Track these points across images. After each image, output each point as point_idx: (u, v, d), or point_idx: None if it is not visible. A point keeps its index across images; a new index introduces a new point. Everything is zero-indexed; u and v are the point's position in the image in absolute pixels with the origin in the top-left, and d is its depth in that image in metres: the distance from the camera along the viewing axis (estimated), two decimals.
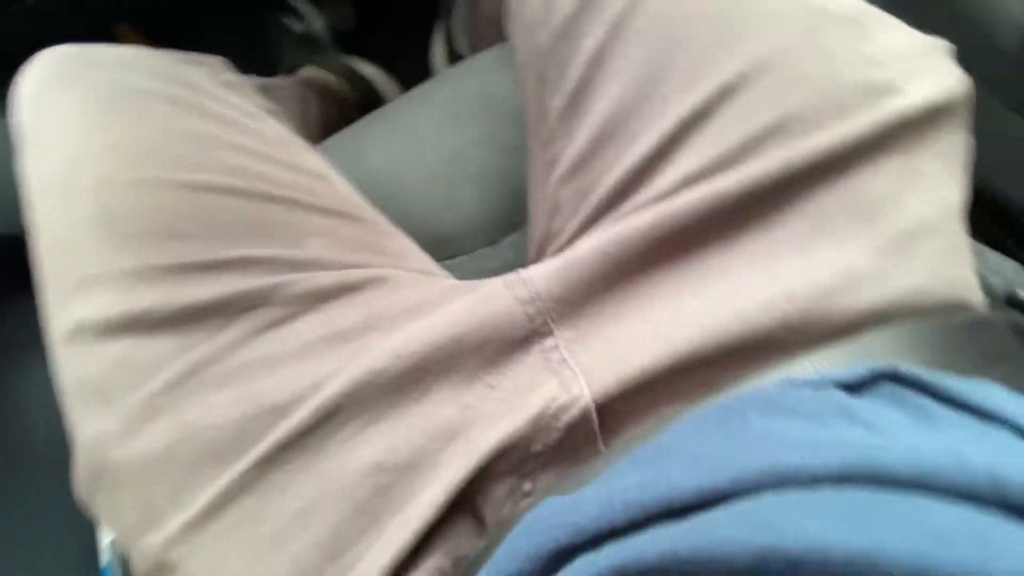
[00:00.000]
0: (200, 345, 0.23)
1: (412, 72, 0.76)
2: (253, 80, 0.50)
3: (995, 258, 0.44)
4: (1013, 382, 0.22)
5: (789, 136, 0.22)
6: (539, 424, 0.20)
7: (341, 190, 0.32)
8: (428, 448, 0.21)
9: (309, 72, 0.71)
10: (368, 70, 0.78)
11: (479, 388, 0.22)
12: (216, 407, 0.22)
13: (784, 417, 0.17)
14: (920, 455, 0.15)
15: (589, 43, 0.26)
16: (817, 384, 0.18)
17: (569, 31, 0.28)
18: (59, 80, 0.28)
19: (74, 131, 0.26)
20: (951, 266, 0.22)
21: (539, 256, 0.32)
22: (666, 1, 0.25)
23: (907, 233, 0.21)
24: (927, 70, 0.23)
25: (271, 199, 0.27)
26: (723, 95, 0.23)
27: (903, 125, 0.22)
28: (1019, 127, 0.43)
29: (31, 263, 0.27)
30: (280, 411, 0.22)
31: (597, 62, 0.26)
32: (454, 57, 0.74)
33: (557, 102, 0.28)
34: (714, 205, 0.21)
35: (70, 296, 0.24)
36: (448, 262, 0.38)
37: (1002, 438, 0.17)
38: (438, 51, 0.75)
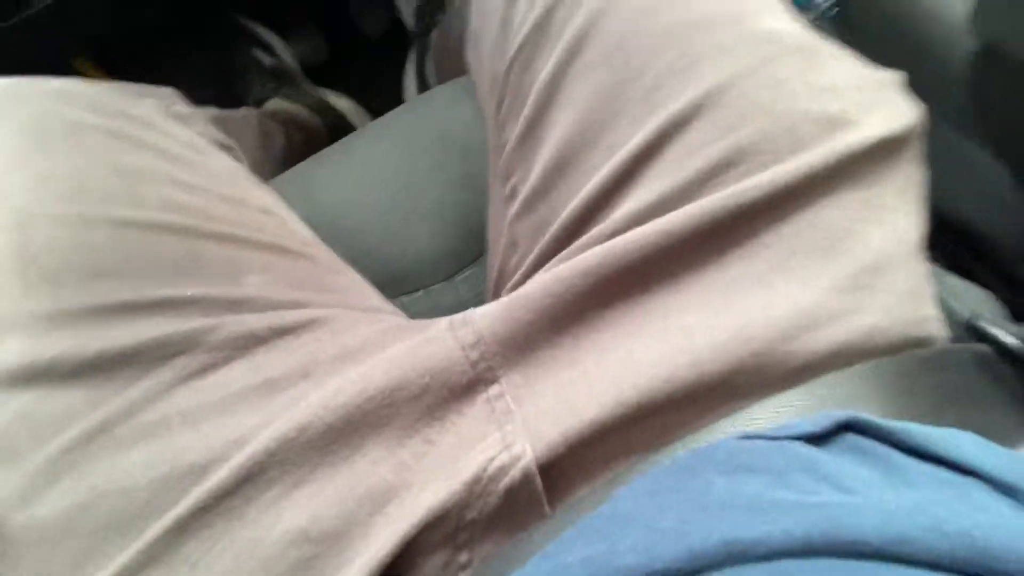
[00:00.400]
0: (113, 398, 0.21)
1: (385, 105, 0.76)
2: (209, 112, 0.49)
3: (959, 284, 0.43)
4: (974, 421, 0.21)
5: (743, 169, 0.21)
6: (474, 490, 0.19)
7: (289, 225, 0.30)
8: (358, 514, 0.19)
9: (275, 104, 0.70)
10: (340, 102, 0.78)
11: (417, 444, 0.20)
12: (126, 469, 0.20)
13: (745, 475, 0.16)
14: (891, 520, 0.14)
15: (543, 72, 0.25)
16: (778, 436, 0.17)
17: (525, 59, 0.27)
18: None
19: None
20: (912, 302, 0.21)
21: (496, 291, 0.30)
22: (619, 29, 0.24)
23: (868, 269, 0.20)
24: (881, 102, 0.23)
25: (206, 235, 0.25)
26: (676, 127, 0.22)
27: (861, 157, 0.21)
28: (977, 155, 0.43)
29: None
30: (197, 472, 0.19)
31: (552, 91, 0.25)
32: (426, 89, 0.74)
33: (514, 132, 0.27)
34: (664, 242, 0.20)
35: None
36: (403, 298, 0.36)
37: (975, 493, 0.16)
38: (410, 83, 0.74)
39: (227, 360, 0.22)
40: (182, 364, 0.22)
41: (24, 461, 0.21)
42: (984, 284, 0.56)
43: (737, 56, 0.22)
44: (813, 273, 0.20)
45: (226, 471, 0.19)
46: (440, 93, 0.43)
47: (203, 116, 0.41)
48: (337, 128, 0.76)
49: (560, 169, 0.25)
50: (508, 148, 0.28)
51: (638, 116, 0.22)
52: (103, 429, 0.21)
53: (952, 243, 0.57)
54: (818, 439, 0.17)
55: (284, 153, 0.62)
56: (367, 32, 0.82)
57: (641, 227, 0.21)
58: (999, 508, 0.15)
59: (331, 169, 0.40)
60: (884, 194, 0.22)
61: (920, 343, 0.21)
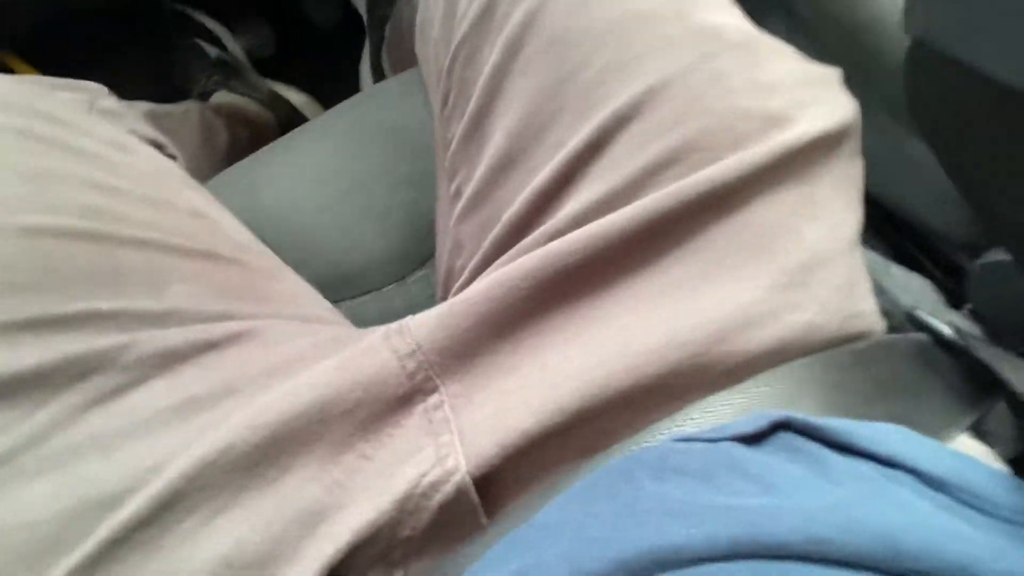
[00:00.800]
0: (17, 425, 0.19)
1: (341, 99, 0.74)
2: (141, 107, 0.46)
3: (902, 274, 0.45)
4: (907, 412, 0.21)
5: (684, 167, 0.20)
6: (406, 507, 0.18)
7: (222, 228, 0.29)
8: (286, 538, 0.18)
9: (221, 97, 0.67)
10: (293, 95, 0.75)
11: (351, 460, 0.19)
12: (30, 501, 0.18)
13: (675, 478, 0.16)
14: (811, 520, 0.14)
15: (487, 65, 0.25)
16: (713, 438, 0.17)
17: (468, 54, 0.26)
18: None
19: None
20: (848, 297, 0.21)
21: (444, 295, 0.29)
22: (560, 22, 0.23)
23: (804, 266, 0.20)
24: (819, 99, 0.23)
25: (126, 242, 0.24)
26: (618, 124, 0.21)
27: (798, 155, 0.21)
28: (916, 146, 0.44)
29: None
30: (109, 503, 0.18)
31: (494, 87, 0.25)
32: (380, 65, 0.72)
33: (459, 129, 0.26)
34: (604, 244, 0.20)
35: None
36: (352, 302, 0.35)
37: (899, 488, 0.16)
38: (366, 76, 0.72)
39: (144, 379, 0.21)
40: (94, 385, 0.20)
41: None
42: (926, 272, 0.58)
43: (678, 52, 0.22)
44: (749, 272, 0.20)
45: (141, 500, 0.18)
46: (389, 86, 0.41)
47: (135, 112, 0.39)
48: (290, 123, 0.73)
49: (503, 168, 0.24)
50: (453, 146, 0.27)
51: (580, 113, 0.22)
52: (6, 459, 0.19)
53: (895, 232, 0.59)
54: (753, 439, 0.17)
55: (228, 150, 0.60)
56: (319, 23, 0.80)
57: (581, 229, 0.20)
58: (918, 505, 0.15)
59: (275, 166, 0.38)
60: (820, 190, 0.22)
61: (856, 337, 0.21)
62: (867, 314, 0.22)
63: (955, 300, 0.50)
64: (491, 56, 0.24)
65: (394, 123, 0.38)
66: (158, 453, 0.19)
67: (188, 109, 0.57)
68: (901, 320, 0.31)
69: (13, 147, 0.25)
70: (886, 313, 0.34)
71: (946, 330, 0.25)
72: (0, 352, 0.20)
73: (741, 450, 0.16)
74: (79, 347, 0.20)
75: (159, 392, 0.20)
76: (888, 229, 0.59)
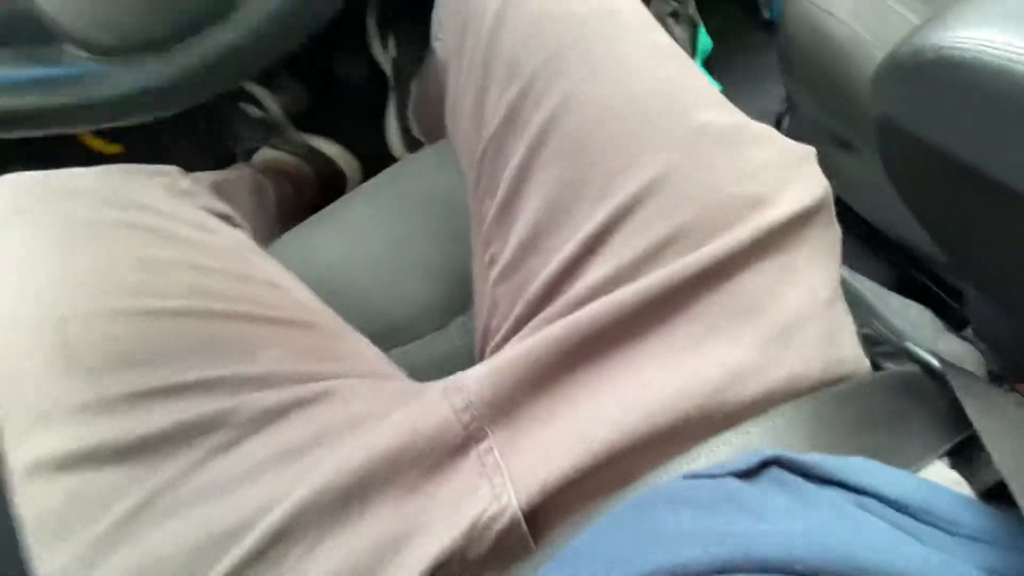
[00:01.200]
0: (153, 475, 0.24)
1: (370, 147, 0.80)
2: (207, 179, 0.52)
3: (900, 303, 0.48)
4: (883, 445, 0.24)
5: (679, 249, 0.25)
6: (472, 535, 0.22)
7: (294, 295, 0.34)
8: (371, 564, 0.22)
9: (264, 155, 0.74)
10: (326, 146, 0.82)
11: (419, 498, 0.23)
12: (169, 537, 0.23)
13: (686, 508, 0.20)
14: (790, 542, 0.18)
15: (514, 159, 0.30)
16: (714, 474, 0.21)
17: (496, 147, 0.31)
18: (13, 214, 0.30)
19: (28, 266, 0.28)
20: (828, 347, 0.25)
21: (483, 346, 0.34)
22: (575, 124, 0.28)
23: (786, 326, 0.24)
24: (796, 179, 0.27)
25: (223, 316, 0.29)
26: (623, 213, 0.26)
27: (778, 231, 0.25)
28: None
29: None
30: (230, 537, 0.23)
31: (522, 177, 0.30)
32: (407, 134, 0.78)
33: (491, 208, 0.32)
34: (618, 314, 0.24)
35: (28, 431, 0.25)
36: (400, 349, 0.40)
37: (868, 513, 0.20)
38: (392, 128, 0.79)
39: (249, 434, 0.25)
40: (211, 441, 0.25)
41: (78, 537, 0.23)
42: (932, 295, 0.61)
43: (674, 149, 0.27)
44: (740, 334, 0.24)
45: (256, 534, 0.23)
46: (427, 155, 0.47)
47: (203, 186, 0.44)
48: (326, 173, 0.80)
49: (531, 246, 0.29)
50: (487, 222, 0.32)
51: (593, 203, 0.27)
52: (147, 504, 0.24)
53: (904, 260, 0.62)
54: (747, 474, 0.21)
55: (277, 206, 0.66)
56: (348, 79, 0.86)
57: (599, 301, 0.25)
58: (878, 526, 0.19)
59: (327, 231, 0.44)
60: (798, 259, 0.26)
61: (838, 380, 0.25)
62: (848, 360, 0.26)
63: (960, 322, 0.53)
64: (516, 153, 0.29)
65: (432, 189, 0.43)
66: (266, 495, 0.24)
67: (241, 174, 0.63)
68: (898, 345, 0.35)
69: (126, 239, 0.30)
70: (883, 340, 0.38)
71: (933, 362, 0.29)
72: (132, 418, 0.25)
73: (737, 484, 0.20)
74: (196, 410, 0.25)
75: (263, 444, 0.25)
76: (898, 258, 0.62)
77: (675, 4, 0.55)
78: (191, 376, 0.26)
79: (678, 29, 0.58)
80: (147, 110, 0.35)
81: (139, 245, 0.30)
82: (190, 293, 0.29)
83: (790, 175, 0.27)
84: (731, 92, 0.32)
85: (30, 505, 0.25)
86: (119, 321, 0.27)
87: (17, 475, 0.25)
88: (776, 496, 0.20)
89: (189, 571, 0.23)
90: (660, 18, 0.57)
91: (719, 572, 0.17)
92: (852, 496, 0.20)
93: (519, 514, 0.22)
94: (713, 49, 0.71)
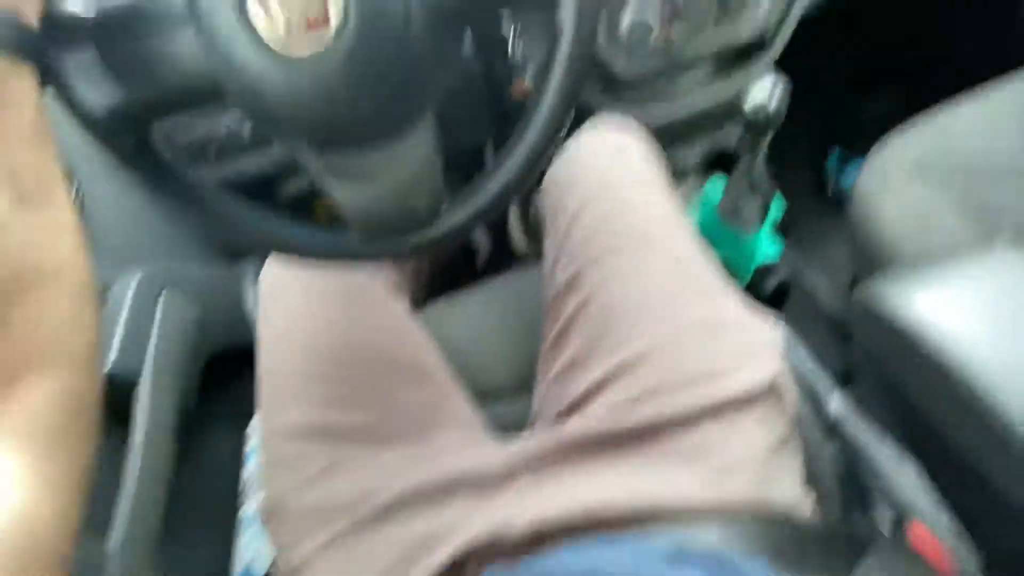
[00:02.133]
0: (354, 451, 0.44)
1: (498, 229, 1.02)
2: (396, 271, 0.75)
3: (804, 353, 0.55)
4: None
5: (657, 400, 0.40)
6: (497, 537, 0.38)
7: (432, 358, 0.54)
8: (453, 528, 0.39)
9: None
10: None
11: (463, 512, 0.40)
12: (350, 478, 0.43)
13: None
14: None
15: (568, 310, 0.48)
16: (640, 552, 0.35)
17: (559, 297, 0.50)
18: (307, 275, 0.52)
19: (303, 318, 0.50)
20: (757, 486, 0.37)
21: (536, 421, 0.51)
22: (607, 296, 0.46)
23: (726, 468, 0.38)
24: (754, 364, 0.41)
25: (395, 363, 0.50)
26: (623, 367, 0.43)
27: (733, 399, 0.39)
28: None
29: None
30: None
31: (570, 323, 0.48)
32: (529, 229, 0.98)
33: (550, 335, 0.50)
34: (608, 431, 0.40)
35: (284, 405, 0.46)
36: (485, 408, 0.58)
37: None
38: (515, 225, 1.00)
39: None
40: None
41: (300, 471, 0.44)
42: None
43: (660, 332, 0.43)
44: (687, 470, 0.38)
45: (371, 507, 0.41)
46: (534, 271, 0.66)
47: (401, 282, 0.66)
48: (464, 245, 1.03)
49: (565, 374, 0.47)
50: (547, 343, 0.51)
51: (607, 355, 0.44)
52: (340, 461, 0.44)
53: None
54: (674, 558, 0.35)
55: (418, 273, 0.89)
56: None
57: (600, 421, 0.41)
58: None
59: (451, 316, 0.64)
60: (747, 422, 0.39)
61: (763, 508, 0.37)
62: (773, 500, 0.38)
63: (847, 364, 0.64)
64: (568, 308, 0.48)
65: (525, 298, 0.62)
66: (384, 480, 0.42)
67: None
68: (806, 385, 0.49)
69: (348, 306, 0.52)
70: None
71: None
72: (341, 413, 0.46)
73: (665, 566, 0.34)
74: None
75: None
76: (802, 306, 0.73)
77: (750, 177, 0.69)
78: (379, 393, 0.47)
79: (752, 201, 0.72)
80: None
81: (359, 316, 0.52)
82: (380, 349, 0.50)
83: (751, 361, 0.41)
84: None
85: (277, 451, 0.45)
86: (339, 355, 0.48)
87: (279, 431, 0.46)
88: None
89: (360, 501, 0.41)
90: (736, 191, 0.71)
91: None
92: None
93: (528, 532, 0.38)
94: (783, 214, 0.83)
